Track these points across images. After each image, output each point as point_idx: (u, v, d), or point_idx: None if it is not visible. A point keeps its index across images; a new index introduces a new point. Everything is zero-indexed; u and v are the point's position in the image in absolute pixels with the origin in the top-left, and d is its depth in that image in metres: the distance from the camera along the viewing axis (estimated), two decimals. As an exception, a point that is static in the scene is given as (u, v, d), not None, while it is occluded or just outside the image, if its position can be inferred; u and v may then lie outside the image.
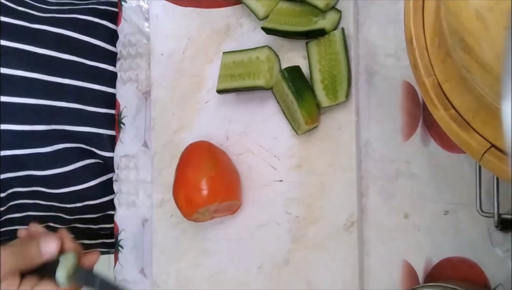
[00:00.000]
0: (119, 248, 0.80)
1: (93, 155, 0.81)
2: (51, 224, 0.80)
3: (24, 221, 0.75)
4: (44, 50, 0.75)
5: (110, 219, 0.84)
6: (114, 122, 0.82)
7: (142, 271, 0.78)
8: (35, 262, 0.61)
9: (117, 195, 0.80)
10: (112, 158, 0.82)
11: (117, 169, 0.80)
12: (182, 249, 0.72)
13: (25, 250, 0.60)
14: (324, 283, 0.63)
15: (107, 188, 0.83)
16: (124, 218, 0.80)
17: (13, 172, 0.72)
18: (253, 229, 0.68)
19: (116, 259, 0.81)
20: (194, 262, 0.72)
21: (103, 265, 0.93)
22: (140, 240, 0.78)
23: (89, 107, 0.80)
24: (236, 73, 0.66)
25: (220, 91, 0.68)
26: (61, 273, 0.61)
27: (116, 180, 0.80)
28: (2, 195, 0.71)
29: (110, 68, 0.82)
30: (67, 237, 0.64)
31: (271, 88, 0.65)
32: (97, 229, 0.88)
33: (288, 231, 0.65)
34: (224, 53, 0.68)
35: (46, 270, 0.61)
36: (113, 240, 0.83)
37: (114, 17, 0.83)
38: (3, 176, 0.71)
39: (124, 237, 0.80)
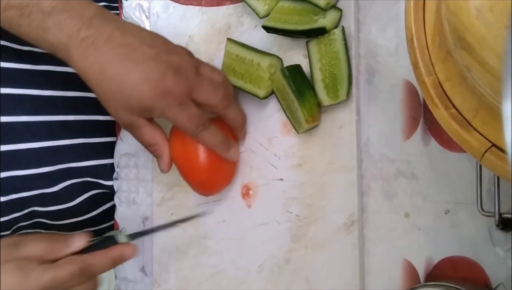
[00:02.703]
0: (120, 246, 0.80)
1: (98, 186, 0.80)
2: None
3: None
4: (50, 92, 0.73)
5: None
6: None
7: (142, 270, 0.78)
8: (62, 252, 0.59)
9: (117, 193, 0.80)
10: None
11: (118, 167, 0.80)
12: (183, 247, 0.72)
13: (52, 239, 0.59)
14: (324, 282, 0.63)
15: (107, 215, 0.82)
16: (125, 216, 0.80)
17: (18, 212, 0.71)
18: (253, 228, 0.68)
19: (116, 257, 0.81)
20: (194, 261, 0.72)
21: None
22: (141, 238, 0.78)
23: (92, 139, 0.78)
24: (239, 69, 0.66)
25: None
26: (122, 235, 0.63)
27: (116, 178, 0.80)
28: (7, 233, 0.70)
29: None
30: None
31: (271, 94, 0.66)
32: None
33: (289, 230, 0.65)
34: (228, 39, 0.68)
35: None
36: None
37: None
38: (8, 217, 0.69)
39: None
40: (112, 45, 0.59)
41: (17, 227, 0.72)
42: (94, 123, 0.77)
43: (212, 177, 0.67)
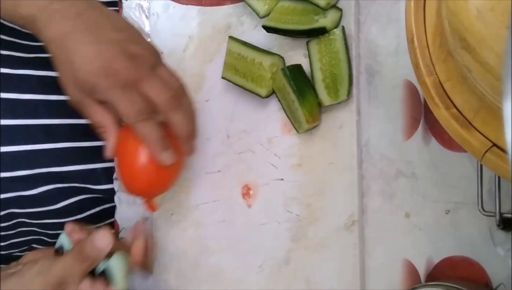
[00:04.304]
0: (120, 246, 0.80)
1: (87, 191, 0.78)
2: (34, 245, 0.79)
3: (6, 248, 0.75)
4: (29, 95, 0.72)
5: None
6: None
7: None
8: (96, 260, 0.62)
9: (117, 193, 0.80)
10: (110, 189, 0.79)
11: (118, 167, 0.80)
12: (183, 248, 0.72)
13: (82, 252, 0.62)
14: (325, 282, 0.63)
15: (100, 217, 0.81)
16: (125, 216, 0.80)
17: None
18: (253, 228, 0.67)
19: (116, 257, 0.81)
20: (194, 261, 0.72)
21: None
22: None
23: (80, 143, 0.76)
24: (240, 68, 0.66)
25: (224, 78, 0.68)
26: (119, 276, 0.62)
27: (116, 179, 0.80)
28: None
29: None
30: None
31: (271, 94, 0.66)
32: None
33: (289, 230, 0.65)
34: (230, 37, 0.68)
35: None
36: None
37: None
38: None
39: (124, 235, 0.80)
40: (80, 20, 0.59)
41: None
42: (81, 127, 0.75)
43: (146, 179, 0.65)
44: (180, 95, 0.64)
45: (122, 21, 0.63)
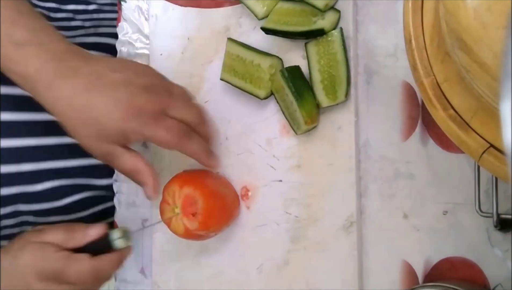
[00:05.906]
0: (119, 248, 0.80)
1: (90, 187, 0.79)
2: None
3: None
4: None
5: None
6: None
7: (142, 271, 0.78)
8: (80, 241, 0.62)
9: (117, 195, 0.80)
10: (111, 185, 0.80)
11: (117, 169, 0.80)
12: (182, 249, 0.72)
13: (72, 229, 0.63)
14: (324, 283, 0.63)
15: (103, 216, 0.82)
16: (124, 217, 0.80)
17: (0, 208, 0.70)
18: (252, 229, 0.68)
19: (115, 259, 0.81)
20: (194, 262, 0.72)
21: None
22: (140, 240, 0.78)
23: None
24: (239, 69, 0.66)
25: (223, 80, 0.68)
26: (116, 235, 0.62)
27: (116, 180, 0.80)
28: None
29: None
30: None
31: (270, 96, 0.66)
32: None
33: (288, 231, 0.65)
34: (228, 39, 0.68)
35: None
36: None
37: (106, 48, 0.82)
38: None
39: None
40: (79, 76, 0.59)
41: (1, 227, 0.71)
42: None
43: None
44: (198, 105, 0.66)
45: (116, 61, 0.64)
